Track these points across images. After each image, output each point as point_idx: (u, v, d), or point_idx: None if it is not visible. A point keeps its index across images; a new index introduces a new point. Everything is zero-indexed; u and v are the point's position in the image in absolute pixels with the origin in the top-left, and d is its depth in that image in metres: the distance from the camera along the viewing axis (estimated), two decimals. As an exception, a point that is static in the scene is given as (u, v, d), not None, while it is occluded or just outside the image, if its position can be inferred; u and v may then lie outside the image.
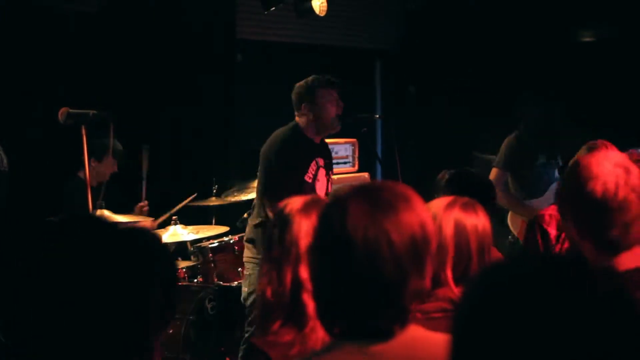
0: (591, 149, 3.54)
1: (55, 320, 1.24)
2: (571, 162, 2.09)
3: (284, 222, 2.01)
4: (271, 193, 3.98)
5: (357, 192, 1.47)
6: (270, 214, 3.92)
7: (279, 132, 4.23)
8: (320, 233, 1.49)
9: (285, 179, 4.03)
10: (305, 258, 1.91)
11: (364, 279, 1.40)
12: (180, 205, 4.95)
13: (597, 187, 1.92)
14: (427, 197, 2.88)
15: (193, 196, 5.05)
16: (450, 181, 3.05)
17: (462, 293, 1.02)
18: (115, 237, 1.33)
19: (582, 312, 0.90)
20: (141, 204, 4.85)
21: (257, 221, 4.12)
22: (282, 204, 2.07)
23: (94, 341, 1.24)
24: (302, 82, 4.25)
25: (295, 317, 1.92)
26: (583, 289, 0.92)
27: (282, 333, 1.94)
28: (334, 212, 1.45)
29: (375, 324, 1.42)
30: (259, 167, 4.20)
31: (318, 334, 1.86)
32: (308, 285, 1.86)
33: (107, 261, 1.28)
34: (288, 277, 1.94)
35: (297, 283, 1.93)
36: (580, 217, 1.99)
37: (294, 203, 2.03)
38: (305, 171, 4.22)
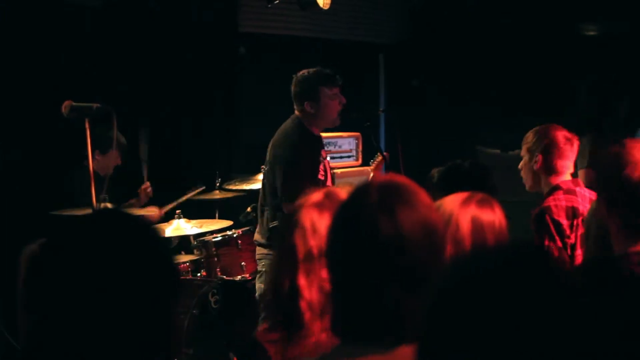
0: (540, 133, 3.54)
1: (74, 319, 1.21)
2: (614, 145, 2.12)
3: (288, 226, 1.98)
4: (291, 196, 3.94)
5: (395, 193, 1.46)
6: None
7: (288, 132, 4.17)
8: (363, 238, 1.44)
9: (303, 180, 3.99)
10: (305, 265, 1.89)
11: (417, 278, 1.40)
12: (187, 197, 4.96)
13: (635, 173, 1.98)
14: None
15: (201, 188, 5.07)
16: (441, 178, 3.00)
17: (433, 283, 1.02)
18: (140, 233, 1.31)
19: (545, 306, 0.91)
20: (144, 186, 4.87)
21: (274, 224, 4.09)
22: (295, 205, 2.03)
23: (115, 340, 1.22)
24: (303, 75, 4.18)
25: (291, 320, 1.91)
26: (544, 283, 0.94)
27: (276, 331, 1.93)
28: (381, 218, 1.42)
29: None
30: (272, 170, 4.12)
31: (310, 339, 1.85)
32: (305, 293, 1.86)
33: (134, 257, 1.25)
34: (286, 283, 1.92)
35: (294, 290, 1.90)
36: (613, 199, 2.05)
37: (304, 206, 1.99)
38: (318, 169, 4.19)
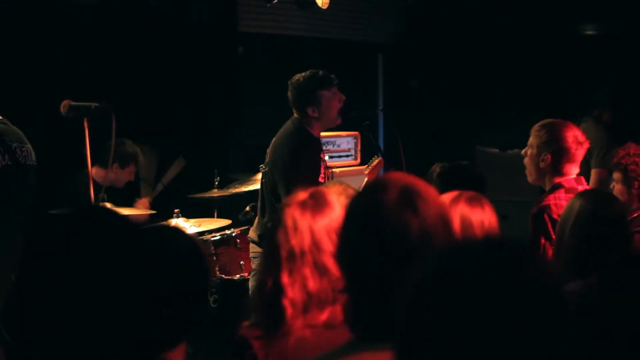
0: (553, 132, 3.48)
1: (62, 318, 1.21)
2: None
3: (275, 226, 2.01)
4: None
5: (412, 189, 1.47)
6: None
7: (289, 135, 4.10)
8: (388, 234, 1.44)
9: (304, 184, 3.94)
10: (288, 263, 1.92)
11: None
12: (171, 175, 5.04)
13: None
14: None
15: (183, 163, 5.14)
16: (441, 176, 3.00)
17: (407, 278, 1.03)
18: (123, 231, 1.30)
19: (523, 305, 0.92)
20: (141, 200, 4.92)
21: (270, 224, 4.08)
22: (281, 205, 2.07)
23: (102, 339, 1.21)
24: (298, 81, 4.09)
25: (274, 317, 1.93)
26: (520, 279, 0.94)
27: (260, 327, 1.96)
28: (405, 213, 1.44)
29: None
30: (272, 172, 4.05)
31: (292, 336, 1.88)
32: (288, 291, 1.89)
33: (116, 255, 1.25)
34: (270, 281, 1.94)
35: (277, 288, 1.92)
36: None
37: (288, 205, 2.02)
38: (319, 172, 4.12)
